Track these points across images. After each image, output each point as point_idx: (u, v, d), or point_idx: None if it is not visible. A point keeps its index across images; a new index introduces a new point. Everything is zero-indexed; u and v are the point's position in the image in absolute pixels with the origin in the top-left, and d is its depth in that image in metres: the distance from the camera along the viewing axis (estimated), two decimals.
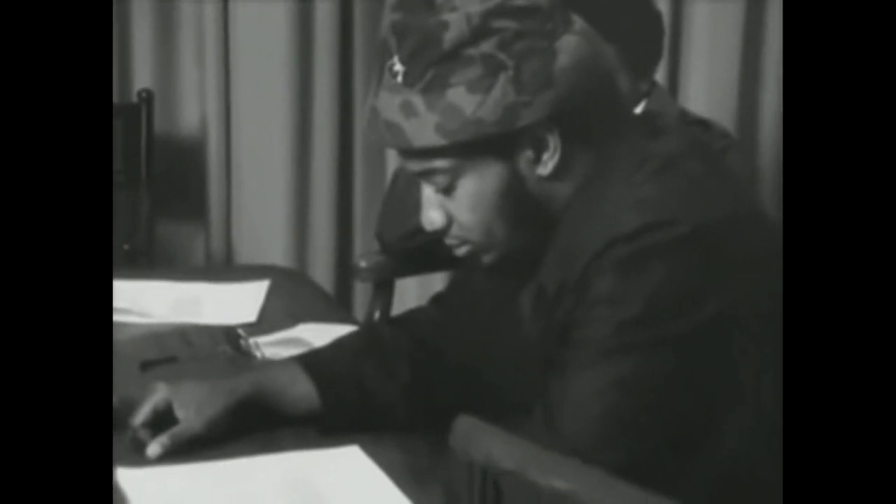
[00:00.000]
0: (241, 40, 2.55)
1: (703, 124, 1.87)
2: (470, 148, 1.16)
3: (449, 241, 1.24)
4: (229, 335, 1.60)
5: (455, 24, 1.15)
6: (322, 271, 2.64)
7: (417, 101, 1.16)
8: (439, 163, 1.18)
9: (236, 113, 2.60)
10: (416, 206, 1.25)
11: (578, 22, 1.21)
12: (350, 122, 2.66)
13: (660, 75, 2.03)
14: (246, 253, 2.63)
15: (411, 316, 1.48)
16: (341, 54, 2.60)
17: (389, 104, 1.18)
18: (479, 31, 1.15)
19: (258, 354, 1.54)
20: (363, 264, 2.17)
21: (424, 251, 1.78)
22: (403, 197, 1.96)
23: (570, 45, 1.17)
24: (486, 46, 1.15)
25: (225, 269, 2.46)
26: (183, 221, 2.66)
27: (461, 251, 1.24)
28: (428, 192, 1.22)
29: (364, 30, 2.60)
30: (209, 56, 2.56)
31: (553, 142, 1.18)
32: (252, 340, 1.58)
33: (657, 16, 1.95)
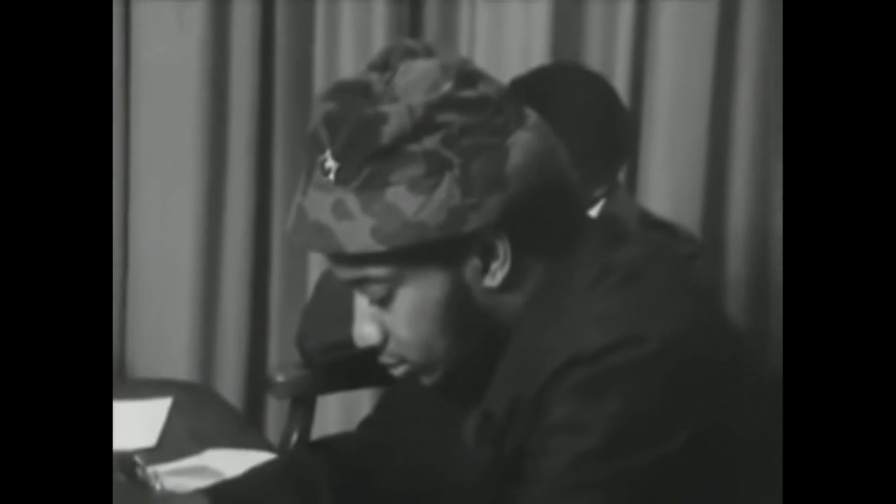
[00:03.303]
0: (144, 113, 2.55)
1: (666, 228, 1.92)
2: (410, 255, 1.17)
3: (384, 359, 1.25)
4: (123, 462, 1.58)
5: (395, 117, 1.16)
6: (231, 386, 2.62)
7: (351, 200, 1.17)
8: (375, 271, 1.19)
9: (136, 195, 2.58)
10: (346, 313, 1.25)
11: (532, 116, 1.23)
12: (267, 213, 2.66)
13: None
14: (143, 363, 2.61)
15: (335, 438, 1.49)
16: (259, 136, 2.61)
17: (319, 204, 1.18)
18: (422, 125, 1.16)
19: (157, 486, 1.54)
20: (280, 378, 2.16)
21: (352, 365, 1.77)
22: (332, 301, 1.96)
23: (522, 142, 1.19)
24: (430, 142, 1.16)
25: (119, 383, 2.39)
26: None
27: (398, 371, 1.25)
28: (361, 303, 1.23)
29: (286, 112, 2.61)
30: None
31: (503, 249, 1.19)
32: (150, 469, 1.57)
33: (622, 110, 2.00)
